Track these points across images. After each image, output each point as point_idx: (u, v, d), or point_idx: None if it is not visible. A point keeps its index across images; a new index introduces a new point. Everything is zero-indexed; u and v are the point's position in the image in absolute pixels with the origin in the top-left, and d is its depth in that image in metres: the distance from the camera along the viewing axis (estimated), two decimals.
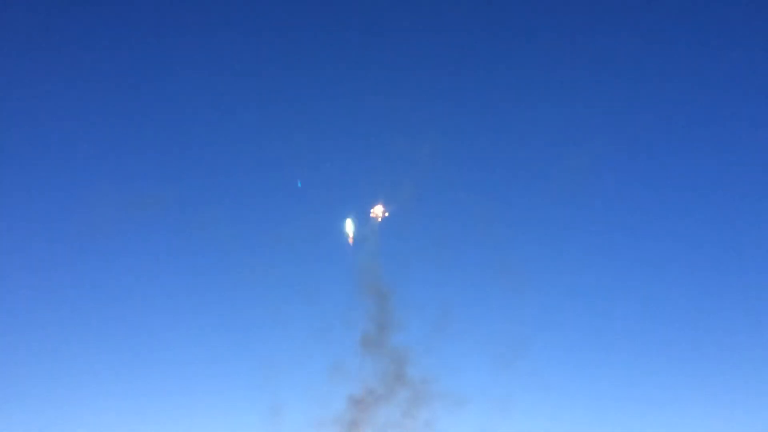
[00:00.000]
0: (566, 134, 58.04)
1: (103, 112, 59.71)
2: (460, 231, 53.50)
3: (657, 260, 58.66)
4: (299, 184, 52.06)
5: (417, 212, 50.34)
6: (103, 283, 57.39)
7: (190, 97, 60.44)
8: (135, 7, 61.74)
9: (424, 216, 51.41)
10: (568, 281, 57.77)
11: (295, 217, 53.61)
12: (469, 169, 58.18)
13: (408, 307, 48.89)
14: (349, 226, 49.51)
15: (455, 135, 57.87)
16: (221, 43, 61.00)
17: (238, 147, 58.91)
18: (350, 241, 49.41)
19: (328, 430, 47.56)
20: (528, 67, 61.40)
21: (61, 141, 60.00)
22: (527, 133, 59.24)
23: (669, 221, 59.58)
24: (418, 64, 59.56)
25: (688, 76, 61.42)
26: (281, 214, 56.16)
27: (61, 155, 60.02)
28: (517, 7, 63.17)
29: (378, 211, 48.97)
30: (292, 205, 55.29)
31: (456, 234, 53.15)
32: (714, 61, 61.58)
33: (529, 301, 52.90)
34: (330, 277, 51.90)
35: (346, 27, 60.46)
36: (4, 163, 58.68)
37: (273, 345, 53.11)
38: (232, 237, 53.87)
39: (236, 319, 56.51)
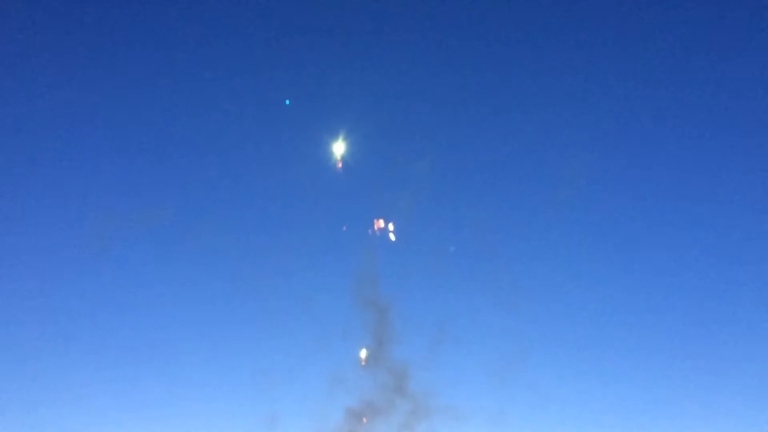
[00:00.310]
0: (567, 147, 57.79)
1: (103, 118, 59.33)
2: (459, 244, 53.17)
3: (658, 273, 58.21)
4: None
5: (415, 225, 50.11)
6: (99, 291, 56.96)
7: (190, 104, 60.02)
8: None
9: (422, 229, 51.17)
10: (568, 294, 57.41)
11: (293, 227, 53.68)
12: (468, 182, 57.90)
13: (407, 320, 48.73)
14: (339, 148, 48.48)
15: (453, 147, 57.83)
16: (219, 52, 60.54)
17: (234, 158, 58.63)
18: (339, 165, 48.10)
19: None
20: (530, 78, 61.00)
21: (61, 149, 59.62)
22: (527, 146, 58.97)
23: (673, 233, 59.13)
24: (416, 74, 59.23)
25: (689, 79, 61.14)
26: (280, 225, 55.92)
27: (62, 164, 59.58)
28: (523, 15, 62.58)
29: (382, 225, 48.27)
30: (291, 215, 55.12)
31: (455, 247, 52.86)
32: (718, 65, 61.30)
33: (530, 315, 52.96)
34: (329, 289, 51.78)
35: (347, 31, 60.02)
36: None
37: (270, 355, 52.95)
38: (230, 247, 53.38)
39: (233, 329, 56.26)
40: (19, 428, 51.03)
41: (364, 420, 47.07)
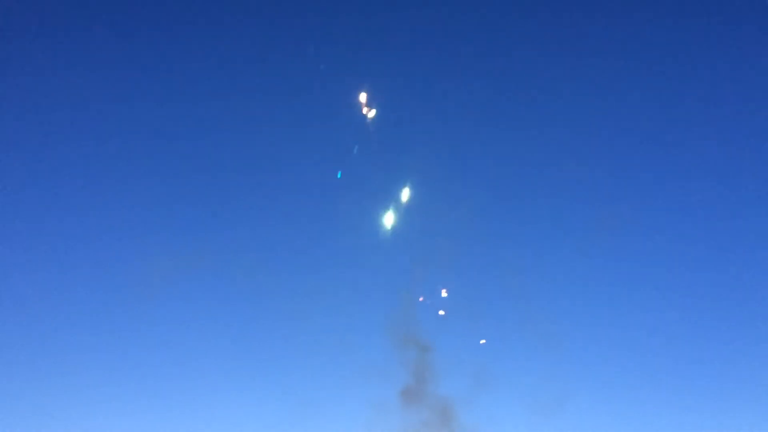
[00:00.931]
0: (602, 189, 58.65)
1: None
2: (498, 284, 54.14)
3: (699, 316, 56.79)
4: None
5: (455, 267, 51.28)
6: (140, 330, 56.58)
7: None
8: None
9: (463, 273, 52.32)
10: (609, 335, 56.89)
11: (334, 269, 55.15)
12: (507, 226, 58.61)
13: (448, 360, 49.77)
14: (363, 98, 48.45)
15: (491, 191, 58.52)
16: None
17: (285, 211, 58.84)
18: (364, 111, 48.24)
19: None
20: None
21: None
22: (565, 189, 59.16)
23: (717, 277, 58.12)
24: (448, 115, 59.42)
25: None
26: (321, 264, 56.92)
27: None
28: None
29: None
30: (333, 257, 56.12)
31: (494, 287, 54.10)
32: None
33: (570, 354, 53.67)
34: (373, 328, 52.73)
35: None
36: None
37: (312, 391, 53.60)
38: (269, 286, 55.10)
39: (275, 365, 56.27)
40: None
41: None
